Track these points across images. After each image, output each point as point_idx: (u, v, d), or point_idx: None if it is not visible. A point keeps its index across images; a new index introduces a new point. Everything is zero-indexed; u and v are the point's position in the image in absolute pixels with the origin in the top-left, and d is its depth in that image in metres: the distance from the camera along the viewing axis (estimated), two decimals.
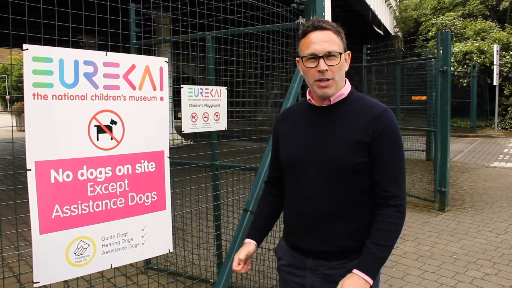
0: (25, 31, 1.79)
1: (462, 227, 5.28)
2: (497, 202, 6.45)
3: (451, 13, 20.00)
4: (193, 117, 2.94)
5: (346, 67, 1.61)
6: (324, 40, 1.52)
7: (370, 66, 8.08)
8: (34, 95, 1.56)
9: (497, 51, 15.87)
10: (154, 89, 1.92)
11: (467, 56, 16.86)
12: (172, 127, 3.92)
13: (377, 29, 18.91)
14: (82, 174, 1.69)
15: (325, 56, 1.51)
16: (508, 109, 16.78)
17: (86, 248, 1.74)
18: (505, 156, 10.87)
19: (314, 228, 1.60)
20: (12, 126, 2.22)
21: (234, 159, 3.41)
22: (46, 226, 1.61)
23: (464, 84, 16.39)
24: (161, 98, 1.95)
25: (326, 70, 1.52)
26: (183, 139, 3.86)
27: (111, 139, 1.78)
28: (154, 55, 3.21)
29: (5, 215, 2.62)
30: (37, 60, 1.57)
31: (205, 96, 3.00)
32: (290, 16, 2.97)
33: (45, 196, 1.60)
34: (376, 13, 17.39)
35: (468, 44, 17.31)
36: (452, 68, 10.98)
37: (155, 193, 1.94)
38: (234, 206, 3.39)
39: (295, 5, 2.85)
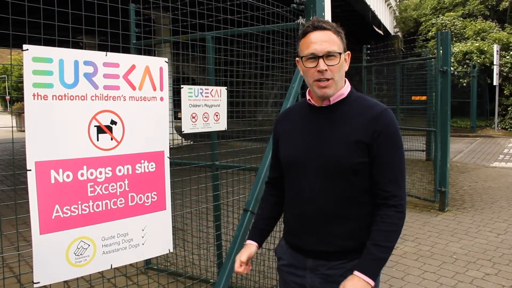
0: (25, 32, 1.79)
1: (462, 227, 5.28)
2: (497, 202, 6.45)
3: (451, 13, 20.00)
4: (193, 117, 2.94)
5: (346, 67, 1.61)
6: (324, 40, 1.52)
7: (370, 66, 8.07)
8: (34, 95, 1.56)
9: (497, 51, 15.87)
10: (154, 89, 1.92)
11: (467, 56, 16.86)
12: (172, 127, 3.93)
13: (377, 29, 18.91)
14: (82, 175, 1.70)
15: (324, 56, 1.51)
16: (508, 109, 16.78)
17: (86, 248, 1.74)
18: (505, 156, 10.87)
19: (314, 228, 1.60)
20: (12, 127, 2.23)
21: (234, 159, 3.41)
22: (46, 226, 1.61)
23: (464, 84, 16.39)
24: (161, 98, 1.95)
25: (326, 70, 1.52)
26: (183, 139, 3.86)
27: (111, 139, 1.78)
28: (154, 55, 3.22)
29: (5, 215, 2.62)
30: (37, 61, 1.57)
31: (205, 96, 3.00)
32: (290, 16, 2.97)
33: (45, 196, 1.60)
34: (376, 13, 17.39)
35: (468, 44, 17.31)
36: (452, 68, 10.97)
37: (155, 193, 1.94)
38: (234, 206, 3.39)
39: (295, 5, 2.85)
